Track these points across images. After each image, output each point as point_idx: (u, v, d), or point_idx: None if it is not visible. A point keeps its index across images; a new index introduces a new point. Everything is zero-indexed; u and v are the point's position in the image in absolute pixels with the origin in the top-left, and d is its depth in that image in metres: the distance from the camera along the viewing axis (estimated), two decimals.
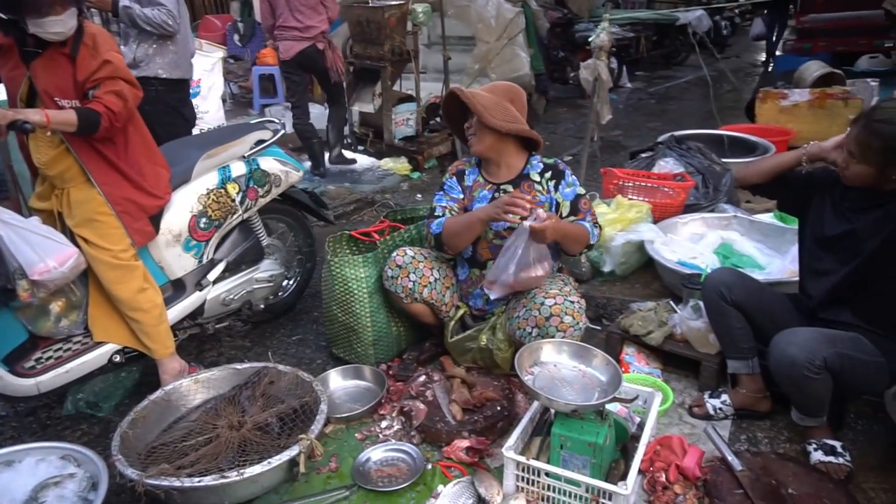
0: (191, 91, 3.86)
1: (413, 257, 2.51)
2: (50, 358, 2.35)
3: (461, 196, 2.55)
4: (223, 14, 10.54)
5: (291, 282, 3.31)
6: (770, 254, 3.04)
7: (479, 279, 2.51)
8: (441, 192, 2.56)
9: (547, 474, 1.85)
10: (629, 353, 2.62)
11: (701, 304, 2.39)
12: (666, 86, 9.69)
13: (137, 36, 3.40)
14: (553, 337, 2.21)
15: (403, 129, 5.85)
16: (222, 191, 2.71)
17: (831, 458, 2.01)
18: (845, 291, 2.09)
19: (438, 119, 6.17)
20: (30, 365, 2.31)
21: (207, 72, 6.03)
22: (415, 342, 2.83)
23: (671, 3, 12.26)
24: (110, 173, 2.34)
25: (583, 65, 4.02)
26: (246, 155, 2.83)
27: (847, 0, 7.58)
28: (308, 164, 5.37)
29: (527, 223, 2.16)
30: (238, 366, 2.48)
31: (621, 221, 3.21)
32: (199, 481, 1.84)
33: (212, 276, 2.78)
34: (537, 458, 1.89)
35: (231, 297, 2.87)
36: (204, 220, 2.66)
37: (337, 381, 2.64)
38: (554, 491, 1.86)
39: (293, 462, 1.95)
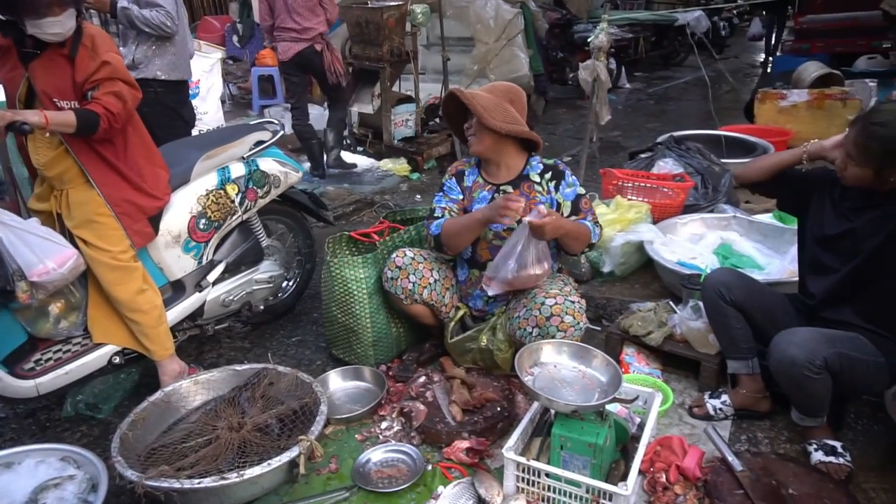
0: (190, 92, 3.86)
1: (413, 258, 2.51)
2: (49, 359, 2.35)
3: (460, 197, 2.55)
4: (222, 15, 10.56)
5: (291, 283, 3.31)
6: (769, 254, 3.04)
7: (479, 280, 2.51)
8: (440, 194, 2.56)
9: (547, 475, 1.85)
10: (629, 353, 2.62)
11: (700, 304, 2.39)
12: (665, 86, 9.70)
13: (136, 37, 3.40)
14: (554, 337, 2.20)
15: (402, 129, 5.85)
16: (221, 192, 2.71)
17: (832, 459, 2.01)
18: (846, 290, 2.10)
19: (438, 120, 6.17)
20: (29, 366, 2.31)
21: (206, 73, 6.04)
22: (414, 343, 2.83)
23: (670, 4, 12.28)
24: (109, 174, 2.34)
25: (582, 65, 4.01)
26: (245, 156, 2.83)
27: (845, 1, 7.59)
28: (307, 164, 5.36)
29: (526, 219, 2.16)
30: (238, 367, 2.47)
31: (621, 222, 3.21)
32: (198, 483, 1.84)
33: (211, 277, 2.78)
34: (537, 459, 1.89)
35: (230, 298, 2.87)
36: (203, 221, 2.66)
37: (337, 383, 2.64)
38: (554, 492, 1.86)
39: (293, 463, 1.95)
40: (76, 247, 2.28)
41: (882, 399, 2.19)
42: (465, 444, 2.14)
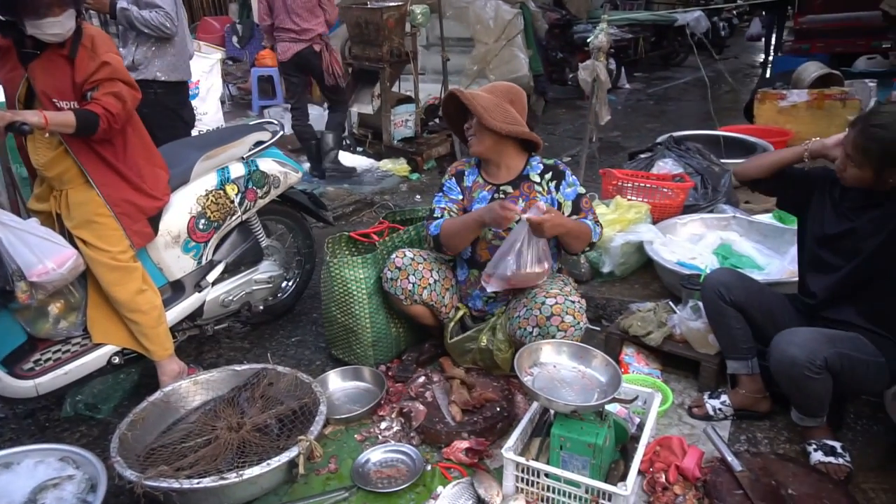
0: (189, 93, 3.86)
1: (412, 259, 2.51)
2: (49, 360, 2.35)
3: (460, 197, 2.55)
4: (222, 16, 10.56)
5: (290, 283, 3.31)
6: (769, 254, 3.04)
7: (479, 280, 2.51)
8: (440, 194, 2.56)
9: (546, 475, 1.85)
10: (628, 353, 2.62)
11: (700, 304, 2.39)
12: (664, 87, 9.71)
13: (136, 38, 3.40)
14: (554, 336, 2.20)
15: (402, 130, 5.85)
16: (221, 192, 2.71)
17: (831, 459, 2.01)
18: (847, 289, 2.10)
19: (437, 120, 6.18)
20: (28, 367, 2.31)
21: (206, 73, 6.04)
22: (414, 343, 2.83)
23: (669, 5, 12.28)
24: (109, 175, 2.34)
25: (581, 66, 4.01)
26: (245, 156, 2.83)
27: (845, 1, 7.59)
28: (307, 165, 5.36)
29: (525, 216, 2.16)
30: (237, 367, 2.48)
31: (620, 222, 3.21)
32: (198, 483, 1.84)
33: (211, 277, 2.77)
34: (537, 459, 1.89)
35: (230, 298, 2.87)
36: (203, 221, 2.66)
37: (336, 383, 2.64)
38: (553, 492, 1.86)
39: (292, 463, 1.95)
40: (76, 247, 2.28)
41: (881, 399, 2.19)
42: (464, 444, 2.14)
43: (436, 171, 5.64)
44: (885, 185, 1.95)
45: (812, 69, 5.18)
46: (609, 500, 1.76)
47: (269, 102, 7.27)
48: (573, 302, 2.26)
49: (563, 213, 2.42)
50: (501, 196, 2.46)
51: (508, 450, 1.88)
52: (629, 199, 3.46)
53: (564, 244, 2.43)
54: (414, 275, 2.49)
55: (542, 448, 1.95)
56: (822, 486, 1.92)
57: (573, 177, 2.49)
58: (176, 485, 1.83)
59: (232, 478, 1.85)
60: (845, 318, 2.09)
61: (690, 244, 3.19)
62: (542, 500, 1.90)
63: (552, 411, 1.96)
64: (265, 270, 3.01)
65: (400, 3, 5.43)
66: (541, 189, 2.45)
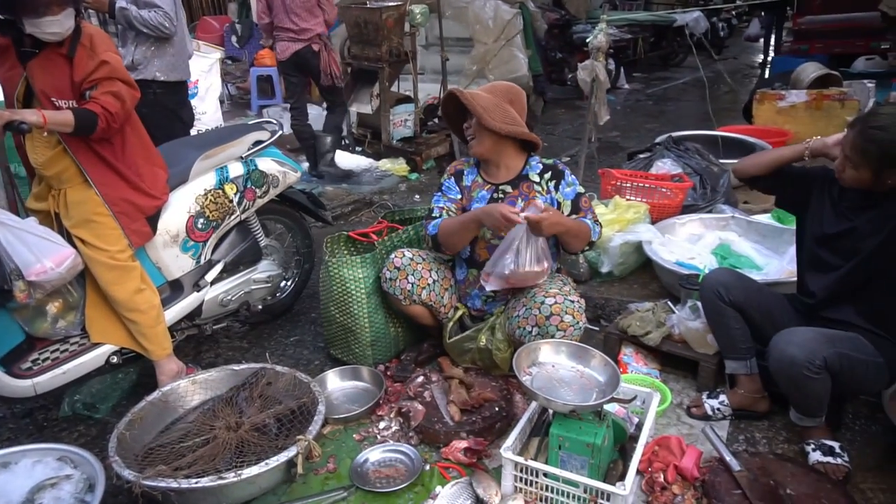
0: (189, 92, 3.86)
1: (411, 259, 2.51)
2: (47, 359, 2.35)
3: (459, 196, 2.55)
4: (221, 15, 10.55)
5: (289, 283, 3.30)
6: (768, 254, 3.04)
7: (478, 279, 2.51)
8: (439, 193, 2.56)
9: (545, 475, 1.85)
10: (627, 353, 2.62)
11: (699, 304, 2.39)
12: (663, 87, 9.71)
13: (135, 38, 3.40)
14: (553, 336, 2.20)
15: (401, 130, 5.85)
16: (220, 191, 2.71)
17: (829, 459, 2.02)
18: (846, 288, 2.10)
19: (436, 120, 6.17)
20: (27, 366, 2.31)
21: (205, 73, 6.04)
22: (413, 343, 2.83)
23: (668, 5, 12.28)
24: (107, 174, 2.33)
25: (580, 66, 4.02)
26: (244, 156, 2.83)
27: (844, 2, 7.60)
28: (306, 164, 5.36)
29: (523, 214, 2.16)
30: (236, 367, 2.47)
31: (619, 222, 3.22)
32: (196, 482, 1.84)
33: (209, 276, 2.77)
34: (535, 459, 1.89)
35: (229, 297, 2.87)
36: (202, 220, 2.66)
37: (335, 382, 2.64)
38: (552, 491, 1.86)
39: (291, 463, 1.95)
40: (74, 246, 2.27)
41: (880, 399, 2.20)
42: (463, 443, 2.14)
43: (435, 170, 5.64)
44: (884, 185, 1.96)
45: (811, 70, 5.19)
46: (608, 499, 1.76)
47: (268, 102, 7.27)
48: (572, 301, 2.26)
49: (562, 213, 2.42)
50: (501, 195, 2.46)
51: (507, 449, 1.88)
52: (628, 199, 3.46)
53: (563, 243, 2.43)
54: (413, 275, 2.48)
55: (540, 448, 1.95)
56: (820, 486, 1.92)
57: (572, 176, 2.49)
58: (174, 484, 1.83)
59: (230, 477, 1.85)
60: (844, 317, 2.10)
61: (689, 244, 3.19)
62: (541, 500, 1.89)
63: (551, 411, 1.95)
64: (264, 270, 3.01)
65: (399, 3, 5.43)
66: (540, 189, 2.45)
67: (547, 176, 2.47)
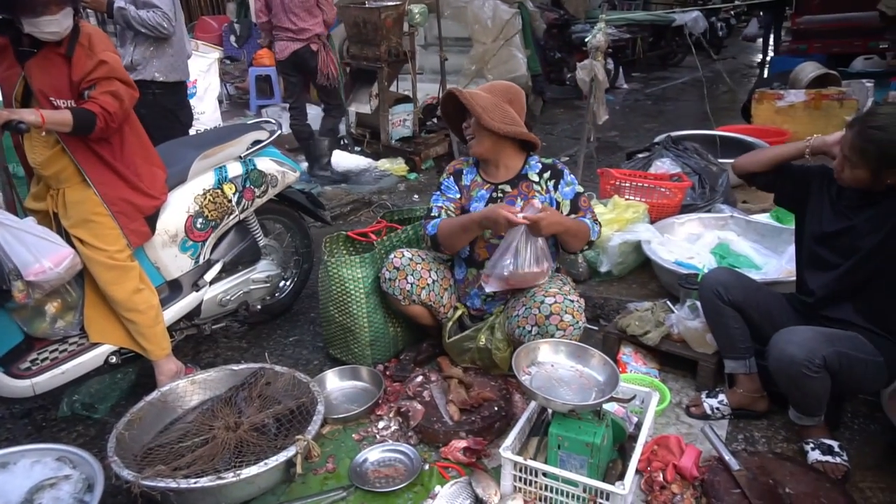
0: (188, 92, 3.85)
1: (411, 259, 2.51)
2: (46, 359, 2.34)
3: (458, 196, 2.54)
4: (219, 15, 10.55)
5: (288, 282, 3.30)
6: (766, 254, 3.05)
7: (477, 279, 2.51)
8: (438, 193, 2.56)
9: (544, 474, 1.85)
10: (626, 353, 2.62)
11: (698, 303, 2.39)
12: (662, 87, 9.72)
13: (134, 38, 3.39)
14: (553, 335, 2.20)
15: (400, 129, 5.85)
16: (219, 191, 2.71)
17: (828, 458, 2.02)
18: (845, 287, 2.10)
19: (435, 120, 6.17)
20: (25, 366, 2.30)
21: (204, 73, 6.04)
22: (412, 343, 2.82)
23: (667, 5, 12.29)
24: (106, 174, 2.33)
25: (579, 65, 4.02)
26: (242, 155, 2.83)
27: (842, 1, 7.60)
28: (305, 164, 5.35)
29: (521, 215, 2.16)
30: (235, 367, 2.47)
31: (618, 222, 3.22)
32: (195, 482, 1.83)
33: (208, 276, 2.77)
34: (535, 459, 1.89)
35: (228, 297, 2.87)
36: (200, 220, 2.66)
37: (334, 382, 2.64)
38: (551, 491, 1.86)
39: (290, 463, 1.95)
40: (73, 246, 2.27)
41: (879, 398, 2.20)
42: (462, 443, 2.14)
43: (434, 170, 5.63)
44: (882, 185, 1.96)
45: (809, 69, 5.19)
46: (607, 499, 1.76)
47: (267, 102, 7.26)
48: (572, 301, 2.26)
49: (561, 212, 2.42)
50: (500, 195, 2.46)
51: (506, 449, 1.88)
52: (627, 199, 3.46)
53: (563, 242, 2.43)
54: (412, 275, 2.48)
55: (539, 447, 1.95)
56: (819, 485, 1.93)
57: (571, 176, 2.49)
58: (173, 484, 1.83)
59: (229, 477, 1.85)
60: (843, 316, 2.10)
61: (688, 244, 3.19)
62: (540, 500, 1.89)
63: (550, 410, 1.96)
64: (263, 270, 3.01)
65: (398, 3, 5.43)
66: (539, 188, 2.45)
67: (546, 175, 2.47)
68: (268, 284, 3.04)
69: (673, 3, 12.54)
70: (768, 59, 10.21)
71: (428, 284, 2.50)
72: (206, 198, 2.66)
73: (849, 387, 2.08)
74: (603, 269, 3.21)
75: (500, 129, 2.32)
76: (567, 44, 8.53)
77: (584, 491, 1.80)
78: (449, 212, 2.50)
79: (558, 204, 2.44)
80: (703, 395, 2.36)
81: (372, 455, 2.18)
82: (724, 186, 3.60)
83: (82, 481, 1.94)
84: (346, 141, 6.06)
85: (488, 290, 2.35)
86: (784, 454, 2.11)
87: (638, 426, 2.07)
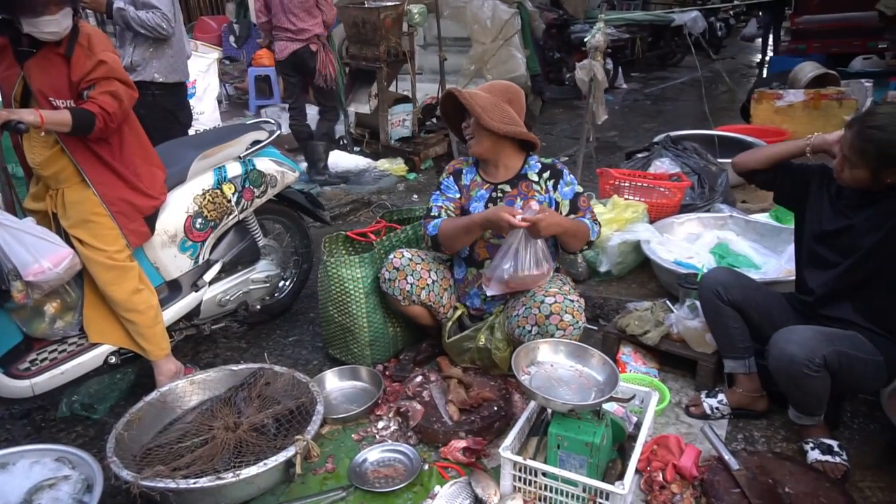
0: (187, 93, 3.85)
1: (410, 259, 2.50)
2: (45, 359, 2.34)
3: (458, 196, 2.54)
4: (219, 15, 10.53)
5: (288, 282, 3.30)
6: (766, 253, 3.05)
7: (476, 278, 2.51)
8: (438, 192, 2.56)
9: (544, 474, 1.85)
10: (626, 352, 2.62)
11: (697, 303, 2.39)
12: (661, 87, 9.72)
13: (133, 39, 3.38)
14: (553, 335, 2.20)
15: (400, 130, 5.84)
16: (218, 191, 2.71)
17: (828, 457, 2.02)
18: (845, 286, 2.10)
19: (435, 120, 6.17)
20: (24, 366, 2.30)
21: (203, 73, 6.04)
22: (411, 343, 2.82)
23: (666, 5, 12.29)
24: (105, 174, 2.33)
25: (578, 65, 4.02)
26: (242, 155, 2.83)
27: (841, 1, 7.61)
28: (304, 164, 5.35)
29: (520, 217, 2.16)
30: (234, 367, 2.47)
31: (617, 221, 3.22)
32: (194, 483, 1.83)
33: (208, 276, 2.77)
34: (534, 458, 1.89)
35: (227, 297, 2.86)
36: (200, 220, 2.65)
37: (333, 382, 2.64)
38: (551, 491, 1.86)
39: (289, 463, 1.95)
40: (72, 246, 2.27)
41: (878, 398, 2.20)
42: (461, 443, 2.14)
43: (433, 170, 5.63)
44: (882, 184, 1.96)
45: (808, 69, 5.20)
46: (606, 498, 1.76)
47: (266, 102, 7.27)
48: (572, 301, 2.26)
49: (560, 213, 2.42)
50: (499, 195, 2.46)
51: (506, 449, 1.88)
52: (626, 199, 3.46)
53: (562, 243, 2.43)
54: (412, 275, 2.48)
55: (539, 447, 1.95)
56: (819, 485, 1.93)
57: (571, 176, 2.49)
58: (172, 485, 1.83)
59: (229, 478, 1.84)
60: (843, 315, 2.10)
61: (687, 243, 3.19)
62: (540, 500, 1.89)
63: (549, 410, 1.95)
64: (262, 270, 3.01)
65: (397, 3, 5.43)
66: (539, 188, 2.45)
67: (545, 175, 2.47)
68: (267, 284, 3.04)
69: (672, 3, 12.53)
70: (767, 58, 10.22)
71: (428, 285, 2.50)
72: (205, 198, 2.66)
73: (848, 386, 2.08)
74: (602, 268, 3.21)
75: (500, 129, 2.32)
76: (566, 44, 8.53)
77: (584, 491, 1.80)
78: (449, 211, 2.50)
79: (558, 204, 2.44)
80: (703, 395, 2.36)
81: (371, 455, 2.18)
82: (723, 186, 3.60)
83: (81, 482, 1.94)
84: (345, 141, 6.06)
85: (489, 293, 2.36)
86: (784, 454, 2.11)
87: (637, 426, 2.07)
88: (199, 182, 2.67)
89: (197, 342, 3.03)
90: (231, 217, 2.78)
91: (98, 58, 2.20)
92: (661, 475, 1.98)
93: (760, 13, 11.07)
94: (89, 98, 2.19)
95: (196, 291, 2.73)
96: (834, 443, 2.06)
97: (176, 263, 2.63)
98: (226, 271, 2.88)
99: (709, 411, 2.31)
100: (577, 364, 2.04)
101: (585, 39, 3.99)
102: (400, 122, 5.82)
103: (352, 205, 4.86)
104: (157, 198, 2.47)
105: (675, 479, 1.97)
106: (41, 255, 2.14)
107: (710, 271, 2.39)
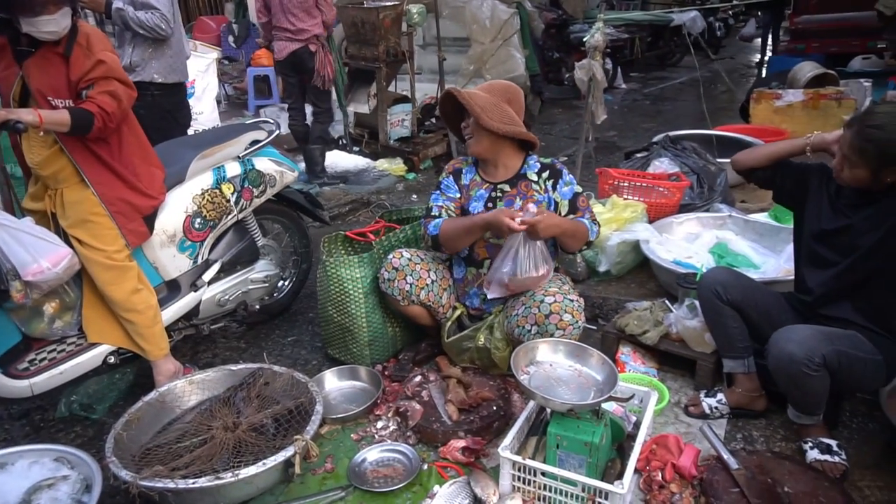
0: (186, 93, 3.84)
1: (409, 259, 2.50)
2: (44, 359, 2.34)
3: (458, 195, 2.54)
4: (217, 15, 10.53)
5: (287, 282, 3.30)
6: (765, 253, 3.05)
7: (476, 278, 2.51)
8: (437, 192, 2.56)
9: (543, 474, 1.85)
10: (625, 352, 2.62)
11: (696, 303, 2.39)
12: (660, 87, 9.72)
13: (132, 39, 3.38)
14: (552, 335, 2.21)
15: (399, 129, 5.84)
16: (217, 191, 2.70)
17: (827, 457, 2.02)
18: (844, 285, 2.10)
19: (434, 120, 6.17)
20: (23, 366, 2.30)
21: (202, 73, 6.04)
22: (410, 342, 2.82)
23: (665, 5, 12.29)
24: (104, 173, 2.33)
25: (578, 65, 4.02)
26: (241, 155, 2.82)
27: (840, 1, 7.61)
28: (303, 164, 5.34)
29: (519, 220, 2.16)
30: (233, 367, 2.47)
31: (617, 221, 3.22)
32: (193, 483, 1.83)
33: (207, 276, 2.77)
34: (533, 458, 1.89)
35: (226, 297, 2.86)
36: (199, 220, 2.65)
37: (332, 382, 2.64)
38: (550, 490, 1.86)
39: (288, 463, 1.95)
40: (71, 246, 2.27)
41: (877, 397, 2.20)
42: (461, 443, 2.14)
43: (432, 170, 5.63)
44: (882, 184, 1.96)
45: (807, 69, 5.20)
46: (606, 498, 1.76)
47: (266, 102, 7.26)
48: (572, 300, 2.26)
49: (560, 213, 2.42)
50: (499, 194, 2.46)
51: (505, 449, 1.88)
52: (625, 199, 3.46)
53: (561, 243, 2.43)
54: (411, 275, 2.48)
55: (538, 447, 1.95)
56: (818, 484, 1.93)
57: (570, 175, 2.49)
58: (171, 485, 1.83)
59: (228, 478, 1.84)
60: (842, 315, 2.10)
61: (686, 243, 3.19)
62: (539, 499, 1.89)
63: (549, 410, 1.96)
64: (261, 270, 3.01)
65: (396, 3, 5.42)
66: (538, 188, 2.45)
67: (545, 175, 2.47)
68: (266, 284, 3.04)
69: (671, 2, 12.53)
70: (766, 58, 10.22)
71: (427, 285, 2.50)
72: (204, 198, 2.66)
73: (848, 385, 2.09)
74: (601, 268, 3.21)
75: (499, 129, 2.32)
76: (565, 44, 8.53)
77: (583, 490, 1.80)
78: (449, 211, 2.50)
79: (557, 204, 2.44)
80: (702, 395, 2.36)
81: (370, 455, 2.18)
82: (722, 186, 3.60)
83: (80, 482, 1.94)
84: (344, 141, 6.06)
85: (490, 296, 2.36)
86: (783, 453, 2.11)
87: (636, 425, 2.07)
88: (197, 182, 2.67)
89: (196, 342, 3.03)
90: (230, 217, 2.78)
91: (97, 57, 2.20)
92: (660, 475, 1.98)
93: (759, 13, 11.07)
94: (88, 98, 2.19)
95: (195, 291, 2.73)
96: (833, 442, 2.06)
97: (175, 263, 2.63)
98: (225, 271, 2.87)
99: (708, 411, 2.31)
100: (577, 364, 2.04)
101: (584, 39, 3.99)
102: (399, 121, 5.82)
103: (351, 205, 4.85)
104: (155, 197, 2.47)
105: (674, 479, 1.97)
106: (40, 254, 2.13)
107: (709, 271, 2.39)
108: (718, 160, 3.82)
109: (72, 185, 2.30)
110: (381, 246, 2.71)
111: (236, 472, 1.87)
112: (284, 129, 5.14)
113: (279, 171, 2.94)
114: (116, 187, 2.35)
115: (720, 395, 2.32)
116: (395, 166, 5.60)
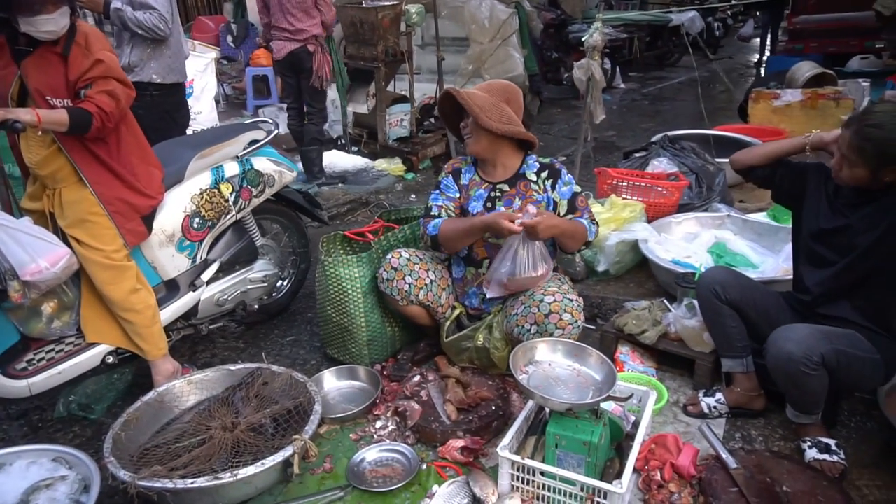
0: (185, 93, 3.84)
1: (408, 259, 2.50)
2: (42, 359, 2.34)
3: (457, 195, 2.54)
4: (216, 15, 10.53)
5: (285, 282, 3.29)
6: (763, 252, 3.05)
7: (475, 278, 2.51)
8: (437, 192, 2.56)
9: (542, 473, 1.85)
10: (624, 352, 2.62)
11: (695, 302, 2.40)
12: (659, 86, 9.73)
13: (131, 39, 3.37)
14: (552, 334, 2.21)
15: (398, 129, 5.85)
16: (216, 191, 2.70)
17: (825, 456, 2.02)
18: (842, 284, 2.10)
19: (433, 120, 6.17)
20: (22, 366, 2.30)
21: (200, 73, 6.04)
22: (409, 342, 2.82)
23: (664, 5, 12.30)
24: (103, 173, 2.32)
25: (576, 65, 4.03)
26: (239, 155, 2.82)
27: (838, 1, 7.62)
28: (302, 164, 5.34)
29: (518, 221, 2.16)
30: (232, 367, 2.47)
31: (615, 221, 3.22)
32: (192, 483, 1.83)
33: (205, 276, 2.76)
34: (532, 458, 1.89)
35: (225, 297, 2.86)
36: (197, 220, 2.65)
37: (331, 382, 2.63)
38: (549, 490, 1.86)
39: (287, 463, 1.95)
40: (69, 246, 2.26)
41: (875, 396, 2.20)
42: (459, 443, 2.14)
43: (431, 170, 5.63)
44: (881, 183, 1.96)
45: (806, 69, 5.21)
46: (604, 497, 1.76)
47: (264, 102, 7.26)
48: (571, 300, 2.26)
49: (559, 212, 2.42)
50: (498, 194, 2.46)
51: (504, 448, 1.88)
52: (624, 198, 3.46)
53: (560, 243, 2.43)
54: (410, 275, 2.48)
55: (537, 446, 1.95)
56: (816, 484, 1.93)
57: (569, 175, 2.50)
58: (170, 485, 1.82)
59: (226, 478, 1.84)
60: (841, 314, 2.10)
61: (685, 243, 3.20)
62: (538, 499, 1.89)
63: (547, 410, 1.96)
64: (260, 269, 3.00)
65: (395, 3, 5.43)
66: (537, 188, 2.45)
67: (544, 175, 2.47)
68: (265, 284, 3.04)
69: (670, 2, 12.54)
70: (765, 58, 10.23)
71: (426, 285, 2.50)
72: (202, 197, 2.66)
73: (846, 384, 2.09)
74: (600, 268, 3.21)
75: (498, 129, 2.32)
76: (564, 43, 8.54)
77: (582, 490, 1.80)
78: (449, 211, 2.50)
79: (556, 203, 2.44)
80: (701, 394, 2.36)
81: (369, 455, 2.18)
82: (721, 185, 3.60)
83: (79, 482, 1.93)
84: (343, 141, 6.06)
85: (489, 295, 2.36)
86: (781, 452, 2.12)
87: (635, 425, 2.07)
88: (196, 181, 2.66)
89: (194, 342, 3.03)
90: (229, 216, 2.78)
91: (95, 57, 2.20)
92: (658, 474, 1.98)
93: (758, 13, 11.09)
94: (86, 97, 2.18)
95: (194, 291, 2.72)
96: (831, 441, 2.06)
97: (173, 263, 2.63)
98: (223, 271, 2.87)
99: (706, 410, 2.31)
100: (575, 363, 2.04)
101: (583, 39, 3.99)
102: (398, 121, 5.82)
103: (350, 204, 4.85)
104: (154, 197, 2.47)
105: (672, 478, 1.97)
106: (38, 254, 2.13)
107: (707, 270, 2.39)
108: (717, 160, 3.83)
109: (70, 184, 2.30)
110: (379, 246, 2.71)
111: (235, 472, 1.86)
112: (283, 129, 5.13)
113: (278, 170, 2.94)
114: (115, 187, 2.34)
115: (719, 395, 2.32)
116: (393, 166, 5.59)
